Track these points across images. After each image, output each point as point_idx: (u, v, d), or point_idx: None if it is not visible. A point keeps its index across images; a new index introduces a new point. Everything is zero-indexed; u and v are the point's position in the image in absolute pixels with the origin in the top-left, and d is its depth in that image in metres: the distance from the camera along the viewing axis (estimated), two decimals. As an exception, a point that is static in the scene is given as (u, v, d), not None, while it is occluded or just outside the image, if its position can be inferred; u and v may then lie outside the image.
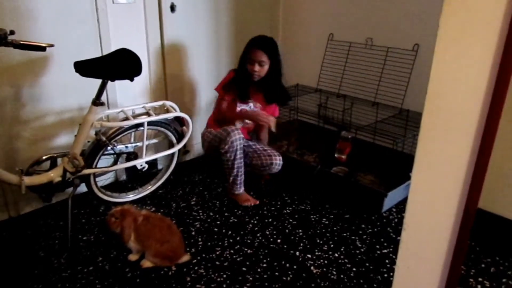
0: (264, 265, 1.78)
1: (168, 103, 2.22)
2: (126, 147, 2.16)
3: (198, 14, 2.53)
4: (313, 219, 2.13)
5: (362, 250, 1.89)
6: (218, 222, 2.09)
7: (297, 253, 1.86)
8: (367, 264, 1.79)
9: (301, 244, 1.92)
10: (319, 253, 1.86)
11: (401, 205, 2.24)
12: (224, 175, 2.26)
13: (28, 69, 1.95)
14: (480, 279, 1.70)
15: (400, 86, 2.50)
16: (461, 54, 0.83)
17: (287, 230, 2.03)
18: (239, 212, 2.19)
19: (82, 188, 2.08)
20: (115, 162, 2.16)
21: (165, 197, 2.32)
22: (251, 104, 2.33)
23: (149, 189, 2.32)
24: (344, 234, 2.00)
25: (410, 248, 1.06)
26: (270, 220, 2.12)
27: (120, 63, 1.90)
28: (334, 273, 1.74)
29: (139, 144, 2.17)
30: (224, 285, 1.66)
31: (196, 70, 2.65)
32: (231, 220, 2.11)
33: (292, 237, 1.98)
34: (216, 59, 2.73)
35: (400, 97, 2.51)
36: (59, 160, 1.96)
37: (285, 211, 2.20)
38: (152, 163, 2.32)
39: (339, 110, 2.74)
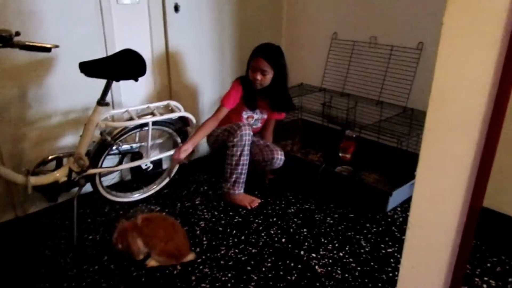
0: (269, 264, 1.79)
1: (173, 103, 2.23)
2: (131, 147, 2.17)
3: (202, 14, 2.53)
4: (317, 218, 2.13)
5: (367, 249, 1.89)
6: (223, 222, 2.09)
7: (302, 252, 1.86)
8: (372, 263, 1.79)
9: (306, 243, 1.92)
10: (324, 252, 1.86)
11: (406, 204, 2.23)
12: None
13: (34, 70, 1.96)
14: (485, 278, 1.69)
15: (405, 85, 2.50)
16: (465, 51, 0.83)
17: (291, 230, 2.03)
18: (244, 211, 2.19)
19: (88, 188, 2.09)
20: (120, 162, 2.18)
21: (170, 196, 2.33)
22: (258, 111, 2.32)
23: (154, 188, 2.33)
24: (349, 233, 2.00)
25: (415, 247, 1.06)
26: (275, 219, 2.12)
27: (124, 64, 1.91)
28: (339, 272, 1.74)
29: (144, 144, 2.18)
30: (229, 284, 1.67)
31: (200, 70, 2.66)
32: (235, 220, 2.11)
33: (297, 236, 1.98)
34: (220, 59, 2.74)
35: (404, 96, 2.50)
36: (64, 160, 1.98)
37: (290, 211, 2.20)
38: (157, 163, 2.33)
39: (343, 109, 2.74)
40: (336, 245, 1.92)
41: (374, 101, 2.63)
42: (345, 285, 1.66)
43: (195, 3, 2.48)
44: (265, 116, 2.36)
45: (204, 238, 1.96)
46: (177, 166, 2.28)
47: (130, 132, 2.08)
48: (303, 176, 2.49)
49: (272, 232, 2.01)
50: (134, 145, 2.18)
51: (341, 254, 1.85)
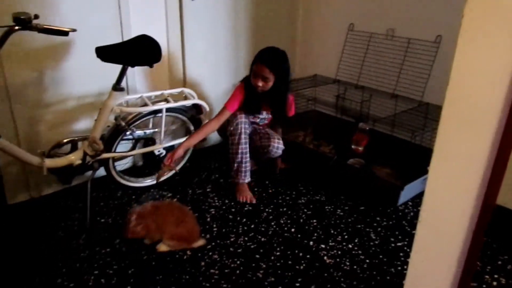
0: (278, 253, 1.80)
1: (187, 90, 2.24)
2: (145, 132, 2.19)
3: (217, 3, 2.52)
4: (327, 209, 2.13)
5: (376, 242, 1.89)
6: (233, 210, 2.11)
7: (311, 242, 1.87)
8: (381, 256, 1.79)
9: (315, 234, 1.93)
10: (333, 243, 1.87)
11: (418, 199, 2.22)
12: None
13: (51, 54, 1.98)
14: (496, 276, 1.68)
15: (421, 79, 2.46)
16: (485, 44, 0.81)
17: (301, 220, 2.04)
18: (254, 201, 2.20)
19: (101, 172, 2.12)
20: (133, 148, 2.20)
21: (181, 183, 2.35)
22: (264, 112, 2.29)
23: (165, 175, 2.35)
24: (359, 226, 2.00)
25: (425, 241, 1.05)
26: (285, 209, 2.13)
27: (140, 49, 1.92)
28: (347, 263, 1.74)
29: (157, 130, 2.20)
30: (238, 271, 1.68)
31: (214, 58, 2.65)
32: (246, 208, 2.13)
33: (306, 227, 1.98)
34: (235, 47, 2.73)
35: (420, 90, 2.47)
36: (79, 143, 2.00)
37: (300, 201, 2.20)
38: (170, 150, 2.35)
39: (357, 101, 2.71)
40: (346, 237, 1.92)
41: (389, 94, 2.60)
42: (353, 277, 1.67)
43: (211, -10, 2.47)
44: (271, 116, 2.34)
45: (214, 225, 1.98)
46: (168, 173, 2.20)
47: (144, 118, 2.09)
48: (314, 167, 2.48)
49: (282, 221, 2.02)
50: (147, 131, 2.20)
51: (350, 246, 1.85)
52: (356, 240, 1.89)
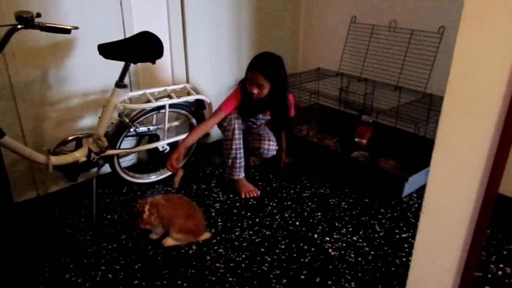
0: (283, 246, 1.81)
1: (189, 86, 2.25)
2: (148, 129, 2.20)
3: (219, -3, 2.52)
4: (332, 202, 2.14)
5: (381, 234, 1.89)
6: (238, 204, 2.12)
7: (316, 235, 1.88)
8: (386, 248, 1.80)
9: (320, 227, 1.94)
10: (338, 236, 1.88)
11: (422, 191, 2.20)
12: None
13: (54, 52, 1.99)
14: (501, 265, 1.68)
15: (424, 70, 2.45)
16: (486, 33, 0.81)
17: (305, 213, 2.05)
18: (259, 193, 2.21)
19: (106, 168, 2.13)
20: (137, 144, 2.21)
21: (186, 178, 2.36)
22: (260, 115, 2.25)
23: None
24: (363, 218, 2.01)
25: (428, 232, 1.06)
26: (289, 203, 2.14)
27: (142, 46, 1.93)
28: (352, 256, 1.75)
29: (161, 126, 2.21)
30: (243, 265, 1.70)
31: (217, 53, 2.65)
32: (250, 202, 2.14)
33: (311, 220, 1.99)
34: (237, 42, 2.73)
35: (423, 81, 2.46)
36: (84, 141, 2.02)
37: (304, 195, 2.21)
38: (174, 145, 2.36)
39: (361, 94, 2.71)
40: (350, 229, 1.92)
41: (392, 86, 2.60)
42: (358, 269, 1.68)
43: (212, -15, 2.47)
44: (268, 117, 2.29)
45: (219, 220, 1.99)
46: (180, 174, 2.08)
47: (148, 114, 2.10)
48: (318, 161, 2.49)
49: (287, 215, 2.03)
50: (151, 127, 2.21)
51: (354, 238, 1.86)
52: (360, 232, 1.90)
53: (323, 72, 2.96)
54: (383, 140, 2.51)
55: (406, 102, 2.44)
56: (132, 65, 1.94)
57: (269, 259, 1.73)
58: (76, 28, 1.68)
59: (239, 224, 1.96)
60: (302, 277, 1.64)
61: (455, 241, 1.00)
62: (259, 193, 2.20)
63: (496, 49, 0.80)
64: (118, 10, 2.12)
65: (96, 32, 2.06)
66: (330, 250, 1.79)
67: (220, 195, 2.20)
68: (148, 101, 2.02)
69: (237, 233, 1.89)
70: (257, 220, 1.99)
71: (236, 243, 1.83)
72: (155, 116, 2.20)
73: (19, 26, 1.55)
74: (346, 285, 1.60)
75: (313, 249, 1.79)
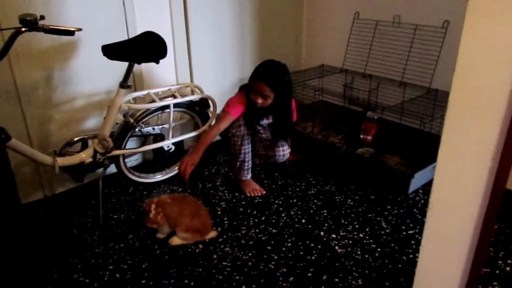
0: (289, 244, 1.81)
1: (193, 85, 2.25)
2: (153, 129, 2.21)
3: (222, -5, 2.52)
4: (337, 200, 2.14)
5: (387, 230, 1.89)
6: (243, 202, 2.12)
7: (322, 233, 1.88)
8: (392, 245, 1.79)
9: (326, 225, 1.94)
10: (344, 233, 1.87)
11: (428, 187, 2.21)
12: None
13: (58, 53, 2.00)
14: (509, 261, 1.67)
15: (429, 65, 2.44)
16: (491, 28, 0.80)
17: (311, 211, 2.04)
18: (264, 193, 2.21)
19: (112, 169, 2.14)
20: (142, 144, 2.22)
21: (191, 177, 2.36)
22: (264, 118, 2.24)
23: (176, 170, 2.37)
24: (369, 215, 2.00)
25: (435, 228, 1.05)
26: (295, 200, 2.13)
27: (145, 46, 1.93)
28: (359, 253, 1.75)
29: (166, 125, 2.21)
30: (250, 263, 1.70)
31: (220, 51, 2.65)
32: (256, 201, 2.14)
33: (317, 218, 1.99)
34: (241, 40, 2.73)
35: (428, 77, 2.45)
36: (89, 141, 2.03)
37: (310, 192, 2.21)
38: (179, 145, 2.36)
39: (365, 90, 2.70)
40: (356, 226, 1.92)
41: (397, 82, 2.58)
42: (365, 266, 1.67)
43: (215, -16, 2.46)
44: (271, 121, 2.27)
45: (225, 218, 1.99)
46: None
47: (152, 114, 2.11)
48: (323, 158, 2.48)
49: (292, 213, 2.03)
50: (156, 127, 2.22)
51: (361, 235, 1.86)
52: (367, 229, 1.90)
53: (327, 68, 2.95)
54: (388, 137, 2.50)
55: (411, 98, 2.43)
56: (136, 65, 1.94)
57: (275, 257, 1.73)
58: (80, 29, 1.68)
59: (245, 223, 1.96)
60: (309, 274, 1.64)
61: (462, 238, 0.99)
62: (264, 192, 2.20)
63: (502, 44, 0.80)
64: (121, 11, 2.12)
65: (100, 33, 2.06)
66: (336, 247, 1.78)
67: (226, 194, 2.20)
68: (153, 101, 2.03)
69: (243, 232, 1.90)
70: (263, 218, 1.99)
71: (242, 241, 1.83)
72: (159, 115, 2.20)
73: (23, 29, 1.55)
74: (353, 282, 1.60)
75: (319, 246, 1.79)
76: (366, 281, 1.60)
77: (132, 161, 2.40)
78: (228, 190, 2.23)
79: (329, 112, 2.93)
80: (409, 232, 1.87)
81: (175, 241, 1.81)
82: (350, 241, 1.82)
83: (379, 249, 1.77)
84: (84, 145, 2.02)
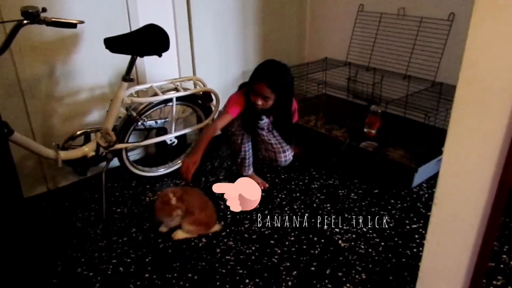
0: (292, 238, 1.81)
1: (196, 78, 2.23)
2: (156, 122, 2.20)
3: (224, -13, 2.50)
4: (341, 194, 2.13)
5: (391, 225, 1.88)
6: (247, 196, 2.12)
7: (325, 227, 1.87)
8: (396, 239, 1.79)
9: (329, 219, 1.93)
10: (347, 227, 1.87)
11: (432, 180, 2.20)
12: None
13: (61, 46, 1.99)
14: (513, 255, 1.67)
15: (434, 58, 2.42)
16: (499, 21, 0.79)
17: (315, 205, 2.04)
18: (267, 186, 2.21)
19: (115, 162, 2.14)
20: (145, 137, 2.21)
21: (194, 171, 2.35)
22: (264, 117, 2.18)
23: (179, 163, 2.37)
24: (373, 209, 1.99)
25: (441, 223, 1.04)
26: (298, 194, 2.13)
27: (148, 39, 1.92)
28: (362, 247, 1.74)
29: (168, 119, 2.20)
30: (253, 257, 1.70)
31: (223, 44, 2.64)
32: (259, 194, 2.14)
33: (320, 212, 1.98)
34: (243, 34, 2.71)
35: (433, 70, 2.43)
36: (92, 135, 2.02)
37: (313, 186, 2.20)
38: (181, 138, 2.36)
39: (369, 83, 2.68)
40: (360, 220, 1.91)
41: (401, 75, 2.56)
42: (369, 260, 1.67)
43: (217, -24, 2.44)
44: (271, 120, 2.24)
45: (228, 212, 1.99)
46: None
47: (155, 108, 2.10)
48: (327, 152, 2.47)
49: (296, 207, 2.03)
50: (158, 121, 2.21)
51: (364, 229, 1.85)
52: (370, 223, 1.89)
53: (331, 62, 2.93)
54: (392, 130, 2.49)
55: (415, 91, 2.41)
56: (138, 58, 1.93)
57: (279, 251, 1.73)
58: (82, 22, 1.67)
59: (248, 217, 1.96)
60: (312, 268, 1.63)
61: (468, 232, 0.98)
62: (267, 185, 2.20)
63: (510, 37, 0.78)
64: (123, 3, 2.11)
65: (102, 26, 2.05)
66: (340, 241, 1.78)
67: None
68: (155, 94, 2.02)
69: (246, 226, 1.89)
70: (266, 212, 1.99)
71: (245, 235, 1.83)
72: (162, 109, 2.19)
73: (25, 22, 1.54)
74: (357, 276, 1.59)
75: (322, 240, 1.79)
76: (369, 275, 1.60)
77: (134, 155, 2.39)
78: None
79: (332, 105, 2.91)
80: (413, 226, 1.87)
81: (178, 235, 1.81)
82: (354, 235, 1.81)
83: (382, 243, 1.76)
84: (87, 139, 2.01)
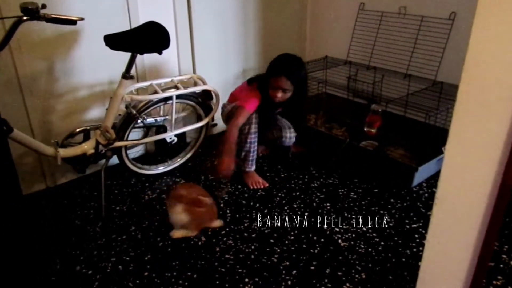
0: (292, 237, 1.80)
1: (196, 76, 2.23)
2: (156, 120, 2.19)
3: (225, -15, 2.49)
4: (341, 193, 2.12)
5: (391, 224, 1.88)
6: (246, 195, 2.11)
7: (325, 226, 1.87)
8: (396, 239, 1.78)
9: (329, 218, 1.93)
10: (347, 226, 1.86)
11: (432, 180, 2.19)
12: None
13: (60, 43, 1.98)
14: (513, 255, 1.66)
15: (434, 57, 2.41)
16: (503, 19, 0.78)
17: (314, 204, 2.03)
18: (267, 185, 2.20)
19: (114, 160, 2.13)
20: (145, 135, 2.21)
21: (194, 169, 2.35)
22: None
23: (178, 161, 2.36)
24: (373, 208, 1.99)
25: (441, 223, 1.04)
26: (298, 193, 2.12)
27: (148, 36, 1.91)
28: (362, 246, 1.74)
29: (168, 117, 2.19)
30: (252, 256, 1.69)
31: (224, 42, 2.63)
32: (258, 193, 2.13)
33: (320, 211, 1.98)
34: (244, 32, 2.70)
35: (434, 69, 2.42)
36: (91, 133, 2.02)
37: (313, 185, 2.20)
38: (181, 136, 2.35)
39: (369, 82, 2.67)
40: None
41: (402, 74, 2.56)
42: (368, 259, 1.67)
43: (218, -27, 2.43)
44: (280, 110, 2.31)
45: (228, 211, 1.98)
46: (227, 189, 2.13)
47: (155, 106, 2.09)
48: (327, 151, 2.47)
49: (295, 206, 2.02)
50: (158, 119, 2.20)
51: (364, 229, 1.85)
52: (370, 223, 1.89)
53: (331, 60, 2.92)
54: (392, 129, 2.48)
55: (416, 90, 2.41)
56: (138, 56, 1.92)
57: (278, 250, 1.73)
58: (82, 19, 1.66)
59: (248, 215, 1.95)
60: (312, 268, 1.63)
61: (469, 233, 0.98)
62: (267, 185, 2.19)
63: (514, 36, 0.78)
64: (123, 0, 2.10)
65: (102, 23, 2.04)
66: (339, 241, 1.78)
67: (229, 186, 2.19)
68: (155, 92, 2.01)
69: (246, 224, 1.89)
70: (266, 211, 1.99)
71: (245, 234, 1.83)
72: (162, 107, 2.19)
73: (24, 18, 1.53)
74: (357, 276, 1.59)
75: (322, 240, 1.79)
76: (369, 275, 1.60)
77: (134, 153, 2.39)
78: (230, 183, 2.22)
79: (332, 104, 2.91)
80: (413, 225, 1.86)
81: (177, 234, 1.81)
82: (354, 235, 1.81)
83: (382, 243, 1.76)
84: (86, 136, 2.01)
